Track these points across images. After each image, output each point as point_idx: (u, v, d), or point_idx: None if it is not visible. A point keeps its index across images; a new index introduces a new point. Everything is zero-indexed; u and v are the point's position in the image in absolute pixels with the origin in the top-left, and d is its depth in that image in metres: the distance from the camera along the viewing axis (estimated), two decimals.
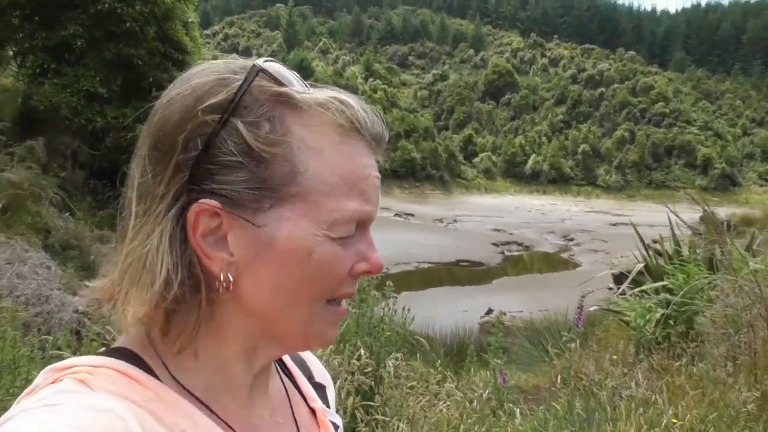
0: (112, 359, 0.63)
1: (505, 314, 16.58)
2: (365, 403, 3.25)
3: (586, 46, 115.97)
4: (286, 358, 0.85)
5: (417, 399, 3.88)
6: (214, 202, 0.62)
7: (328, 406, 0.85)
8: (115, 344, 0.68)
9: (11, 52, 12.25)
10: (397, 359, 3.96)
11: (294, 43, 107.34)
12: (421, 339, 5.86)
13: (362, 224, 0.67)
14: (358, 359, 3.48)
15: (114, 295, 0.65)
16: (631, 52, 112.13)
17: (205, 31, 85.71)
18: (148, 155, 0.63)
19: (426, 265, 28.10)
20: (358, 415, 3.11)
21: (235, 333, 0.66)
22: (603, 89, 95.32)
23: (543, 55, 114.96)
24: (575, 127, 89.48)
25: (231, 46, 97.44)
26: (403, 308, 4.64)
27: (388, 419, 3.37)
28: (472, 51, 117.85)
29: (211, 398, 0.66)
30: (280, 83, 0.64)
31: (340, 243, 0.64)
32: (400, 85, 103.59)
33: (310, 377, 0.86)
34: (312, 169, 0.63)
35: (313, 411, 0.80)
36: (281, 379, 0.80)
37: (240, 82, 0.63)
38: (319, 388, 0.86)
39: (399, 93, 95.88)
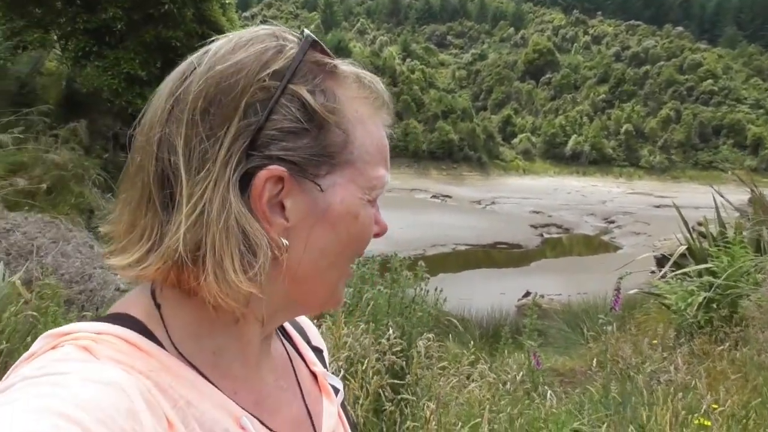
0: (116, 326, 0.61)
1: (543, 297, 16.42)
2: (393, 381, 3.24)
3: (631, 22, 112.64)
4: (285, 323, 0.84)
5: (448, 379, 3.86)
6: (282, 168, 0.62)
7: (326, 369, 0.85)
8: (113, 309, 0.66)
9: (55, 36, 12.55)
10: (428, 339, 3.92)
11: (331, 23, 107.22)
12: (454, 320, 5.82)
13: None
14: (388, 339, 3.47)
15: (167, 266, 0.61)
16: (679, 28, 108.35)
17: (244, 14, 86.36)
18: (198, 120, 0.60)
19: (463, 247, 28.01)
20: (385, 394, 3.10)
21: (268, 297, 0.65)
22: (648, 67, 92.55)
23: (585, 33, 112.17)
24: (618, 106, 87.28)
25: None
26: (436, 288, 4.60)
27: (416, 399, 3.35)
28: (512, 29, 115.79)
29: (221, 363, 0.65)
30: (329, 54, 0.68)
31: (372, 207, 0.70)
32: (438, 66, 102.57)
33: (308, 341, 0.86)
34: (359, 139, 0.67)
35: (314, 375, 0.81)
36: (282, 343, 0.80)
37: (295, 50, 0.64)
38: (317, 352, 0.86)
39: (437, 73, 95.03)
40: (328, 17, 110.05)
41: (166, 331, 0.64)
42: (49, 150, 9.51)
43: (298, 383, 0.76)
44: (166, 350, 0.62)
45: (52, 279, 5.77)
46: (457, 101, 78.86)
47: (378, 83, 0.71)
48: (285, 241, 0.63)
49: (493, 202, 46.14)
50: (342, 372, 3.09)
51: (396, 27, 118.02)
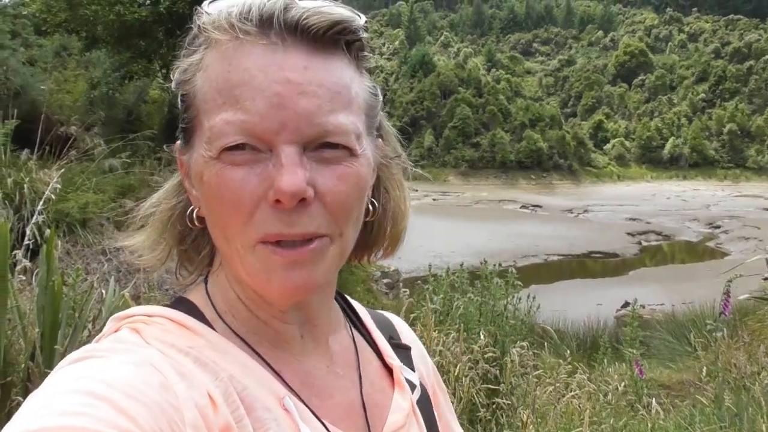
0: (168, 309, 0.65)
1: (643, 307, 15.62)
2: (487, 386, 3.16)
3: (731, 17, 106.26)
4: (366, 318, 0.82)
5: (544, 388, 3.73)
6: (178, 141, 0.66)
7: (411, 367, 0.81)
8: (179, 296, 0.70)
9: (157, 66, 13.42)
10: (522, 348, 3.82)
11: (416, 39, 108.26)
12: (549, 329, 5.64)
13: (262, 139, 0.57)
14: (480, 347, 3.40)
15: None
16: None
17: None
18: None
19: (555, 258, 27.22)
20: (479, 400, 3.03)
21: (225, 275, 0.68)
22: (752, 62, 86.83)
23: (681, 31, 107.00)
24: (720, 105, 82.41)
25: None
26: (528, 296, 4.48)
27: (511, 404, 3.26)
28: (600, 32, 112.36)
29: (260, 344, 0.66)
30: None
31: (232, 164, 0.57)
32: (524, 74, 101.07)
33: (391, 338, 0.83)
34: (199, 91, 0.60)
35: (389, 368, 0.77)
36: (353, 335, 0.78)
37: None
38: (403, 348, 0.83)
39: (523, 82, 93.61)
40: (412, 33, 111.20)
41: (215, 310, 0.66)
42: (154, 173, 10.12)
43: (359, 373, 0.73)
44: (215, 328, 0.64)
45: (157, 293, 6.14)
46: (545, 109, 77.25)
47: (240, 8, 0.59)
48: (195, 210, 0.66)
49: (585, 211, 44.61)
50: None
51: (480, 38, 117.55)
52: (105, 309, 3.13)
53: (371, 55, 0.65)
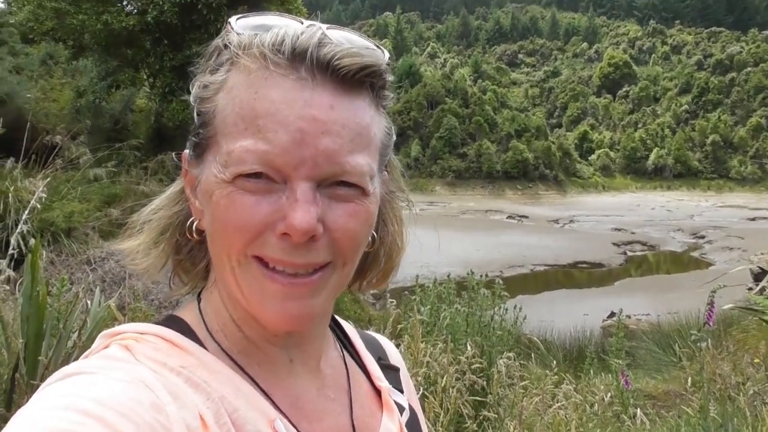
0: (160, 327, 0.64)
1: (629, 317, 15.69)
2: (474, 398, 3.16)
3: (713, 29, 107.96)
4: (356, 339, 0.82)
5: (531, 399, 3.73)
6: (186, 151, 0.66)
7: (401, 389, 0.81)
8: (171, 313, 0.70)
9: (144, 75, 13.38)
10: (509, 358, 3.83)
11: (403, 49, 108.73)
12: (536, 339, 5.65)
13: (280, 172, 0.57)
14: (467, 358, 3.40)
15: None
16: (766, 32, 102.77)
17: None
18: None
19: (542, 268, 27.29)
20: (466, 411, 3.03)
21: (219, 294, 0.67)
22: (734, 74, 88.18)
23: (664, 43, 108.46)
24: (703, 116, 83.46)
25: None
26: (515, 307, 4.49)
27: (497, 417, 3.26)
28: (585, 44, 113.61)
29: (251, 366, 0.65)
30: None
31: (244, 190, 0.57)
32: (510, 85, 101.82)
33: (380, 359, 0.83)
34: (221, 111, 0.60)
35: (378, 390, 0.77)
36: (344, 357, 0.77)
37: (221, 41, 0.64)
38: (392, 370, 0.83)
39: (509, 93, 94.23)
40: (399, 43, 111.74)
41: (207, 330, 0.66)
42: (140, 182, 10.06)
43: (350, 396, 0.73)
44: (207, 348, 0.64)
45: (142, 303, 6.09)
46: (531, 119, 77.73)
47: (273, 39, 0.58)
48: (195, 222, 0.66)
49: (571, 221, 44.84)
50: (421, 390, 3.05)
51: (466, 49, 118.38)
52: (90, 319, 3.10)
53: (391, 95, 0.66)
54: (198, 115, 0.63)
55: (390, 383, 0.79)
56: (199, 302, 0.69)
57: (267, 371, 0.66)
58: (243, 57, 0.59)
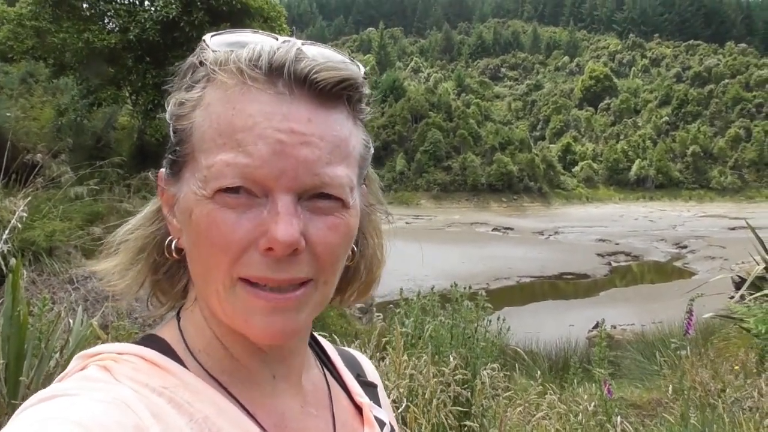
0: (140, 347, 0.63)
1: (615, 327, 15.77)
2: (456, 408, 3.18)
3: (691, 42, 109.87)
4: (334, 356, 0.83)
5: (514, 409, 3.75)
6: (162, 170, 0.66)
7: (379, 405, 0.82)
8: (149, 332, 0.69)
9: (126, 92, 13.33)
10: (493, 369, 3.85)
11: (386, 64, 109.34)
12: (520, 351, 5.68)
13: (260, 185, 0.57)
14: (451, 369, 3.42)
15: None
16: (742, 45, 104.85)
17: None
18: None
19: (527, 280, 27.37)
20: (449, 422, 3.04)
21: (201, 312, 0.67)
22: (712, 86, 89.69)
23: (643, 56, 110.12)
24: (683, 128, 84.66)
25: None
26: (498, 318, 4.52)
27: (482, 426, 3.27)
28: (566, 58, 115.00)
29: (234, 385, 0.65)
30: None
31: (225, 206, 0.57)
32: (494, 98, 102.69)
33: (359, 376, 0.84)
34: (198, 127, 0.60)
35: (358, 407, 0.78)
36: (324, 374, 0.78)
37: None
38: (370, 386, 0.84)
39: (492, 106, 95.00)
40: (383, 58, 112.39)
41: (188, 349, 0.65)
42: (123, 200, 9.98)
43: (332, 412, 0.73)
44: (187, 367, 0.63)
45: (126, 322, 6.03)
46: (515, 132, 78.38)
47: (248, 56, 0.59)
48: (174, 241, 0.66)
49: (556, 232, 45.11)
50: (405, 402, 3.06)
51: (449, 63, 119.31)
52: (72, 339, 3.08)
53: (368, 108, 0.67)
54: (174, 132, 0.62)
55: (369, 399, 0.79)
56: (178, 320, 0.68)
57: (250, 389, 0.65)
58: (220, 73, 0.59)
